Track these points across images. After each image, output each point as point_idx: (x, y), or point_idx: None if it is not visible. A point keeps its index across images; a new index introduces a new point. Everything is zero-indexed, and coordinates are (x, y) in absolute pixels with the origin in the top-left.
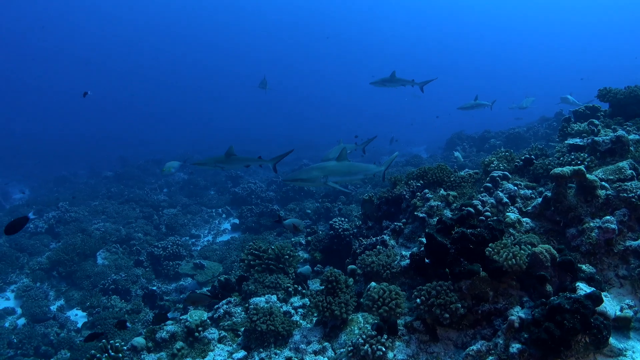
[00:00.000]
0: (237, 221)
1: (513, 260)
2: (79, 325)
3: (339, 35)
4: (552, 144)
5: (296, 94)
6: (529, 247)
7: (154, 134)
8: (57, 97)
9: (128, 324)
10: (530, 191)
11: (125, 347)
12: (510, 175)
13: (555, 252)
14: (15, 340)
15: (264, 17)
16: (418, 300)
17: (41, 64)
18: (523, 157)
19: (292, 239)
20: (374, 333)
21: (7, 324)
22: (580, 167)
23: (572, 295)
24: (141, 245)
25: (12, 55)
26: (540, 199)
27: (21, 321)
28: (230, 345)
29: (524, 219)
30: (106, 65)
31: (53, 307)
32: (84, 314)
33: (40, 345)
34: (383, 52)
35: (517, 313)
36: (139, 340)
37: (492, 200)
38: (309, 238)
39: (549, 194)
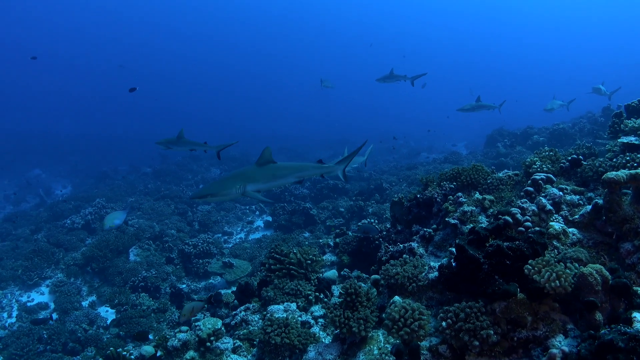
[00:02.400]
0: (269, 218)
1: (557, 282)
2: (108, 322)
3: (377, 41)
4: (599, 141)
5: (337, 96)
6: (576, 265)
7: (196, 133)
8: (103, 97)
9: (150, 336)
10: (578, 197)
11: (132, 357)
12: (554, 178)
13: (607, 273)
14: (45, 336)
15: (297, 22)
16: (444, 323)
17: (88, 68)
18: (569, 158)
19: (321, 241)
20: (392, 358)
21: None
22: (638, 170)
23: (628, 330)
24: (174, 242)
25: (61, 62)
26: (589, 207)
27: (54, 316)
28: (245, 357)
29: (570, 229)
30: (149, 69)
31: (85, 303)
32: (114, 310)
33: (67, 342)
34: (416, 55)
35: (560, 344)
36: (148, 349)
37: (534, 207)
38: (338, 240)
39: (600, 201)
